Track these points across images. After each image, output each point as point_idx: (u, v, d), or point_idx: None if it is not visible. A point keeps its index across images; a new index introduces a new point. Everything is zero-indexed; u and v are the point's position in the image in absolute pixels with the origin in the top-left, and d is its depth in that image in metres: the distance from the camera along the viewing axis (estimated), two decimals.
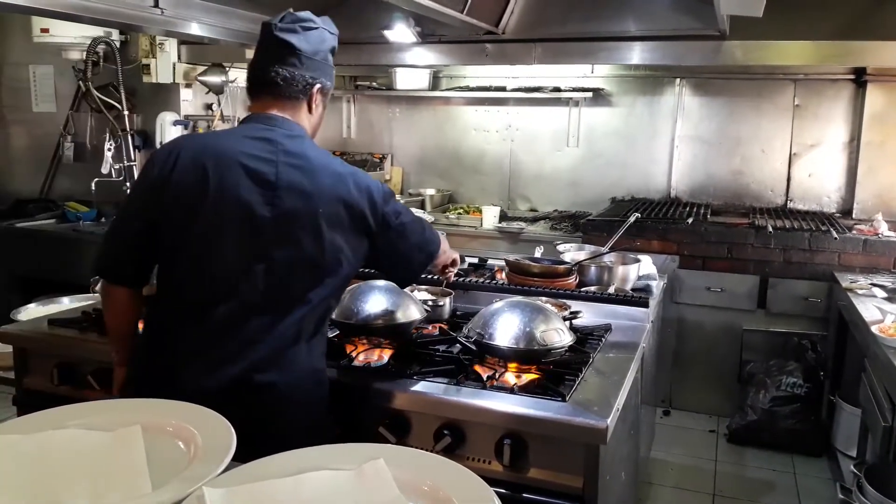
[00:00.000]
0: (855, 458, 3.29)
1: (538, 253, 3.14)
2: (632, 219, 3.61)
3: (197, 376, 1.72)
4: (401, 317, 2.22)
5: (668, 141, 5.10)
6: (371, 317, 2.20)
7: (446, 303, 2.53)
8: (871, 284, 3.60)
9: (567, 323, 2.28)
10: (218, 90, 4.88)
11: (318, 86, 1.87)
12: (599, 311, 2.60)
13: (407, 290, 2.33)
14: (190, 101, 4.90)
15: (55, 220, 5.05)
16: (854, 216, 4.59)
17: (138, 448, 1.27)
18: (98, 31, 4.51)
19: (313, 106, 1.89)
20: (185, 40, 4.62)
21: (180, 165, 1.73)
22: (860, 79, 4.57)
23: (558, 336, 2.07)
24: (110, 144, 4.77)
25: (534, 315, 2.09)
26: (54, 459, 1.24)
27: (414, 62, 4.38)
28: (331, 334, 2.21)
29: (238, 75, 4.87)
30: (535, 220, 5.15)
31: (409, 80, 5.49)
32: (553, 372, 2.04)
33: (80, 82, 4.80)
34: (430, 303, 2.46)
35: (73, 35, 4.52)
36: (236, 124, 5.05)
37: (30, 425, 1.34)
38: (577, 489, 1.80)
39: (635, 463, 2.79)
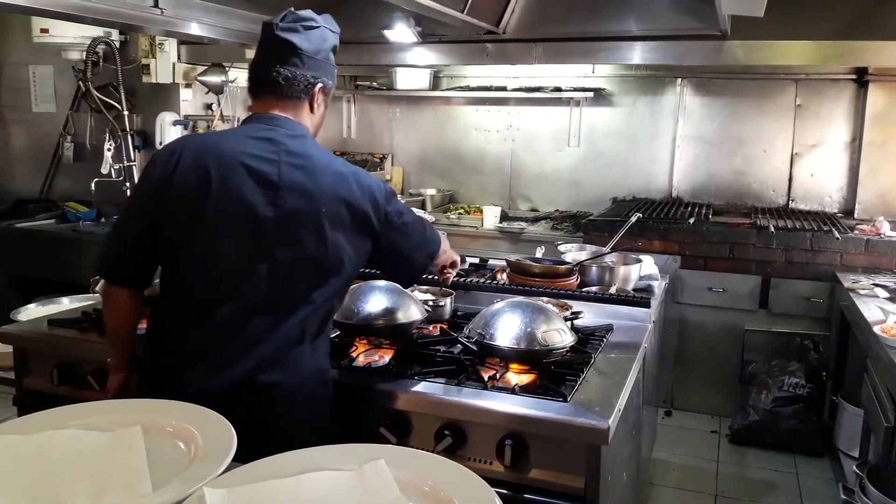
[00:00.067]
0: (857, 458, 3.28)
1: (539, 253, 3.13)
2: (633, 219, 3.60)
3: (200, 377, 1.72)
4: (402, 317, 2.21)
5: (669, 141, 5.09)
6: (372, 317, 2.19)
7: (447, 303, 2.52)
8: (874, 285, 3.60)
9: (568, 323, 2.27)
10: (218, 90, 4.88)
11: (319, 85, 1.86)
12: (601, 312, 2.59)
13: (408, 290, 2.32)
14: (190, 101, 4.90)
15: (55, 220, 5.05)
16: (856, 216, 4.59)
17: (139, 448, 1.26)
18: (98, 32, 4.51)
19: (315, 105, 1.88)
20: (185, 40, 4.62)
21: (182, 166, 1.72)
22: (862, 79, 4.56)
23: (559, 336, 2.07)
24: (110, 144, 4.77)
25: (535, 315, 2.09)
26: (54, 460, 1.23)
27: (414, 62, 4.38)
28: (332, 335, 2.20)
29: (238, 75, 4.87)
30: (536, 220, 5.14)
31: (409, 79, 5.49)
32: (554, 372, 2.03)
33: (80, 82, 4.80)
34: (430, 303, 2.46)
35: (72, 35, 4.52)
36: (236, 124, 5.08)
37: (30, 425, 1.34)
38: (578, 490, 1.80)
39: (637, 463, 2.79)
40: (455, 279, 2.49)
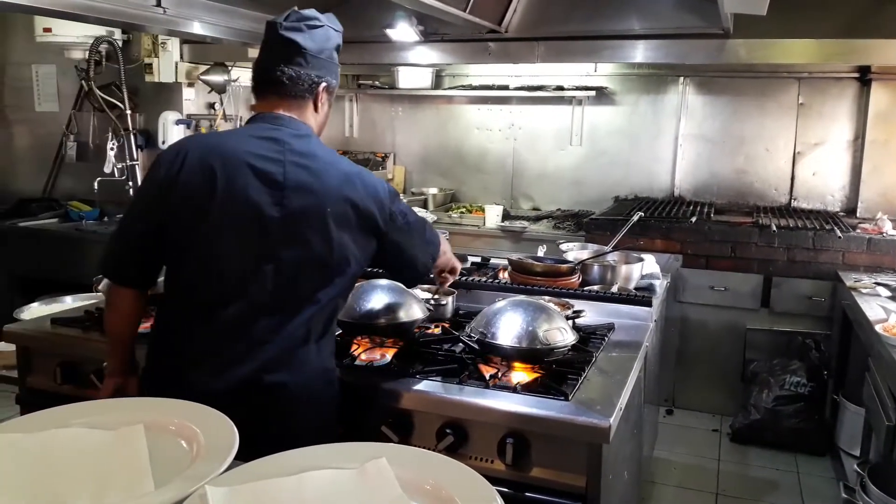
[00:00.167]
0: (858, 457, 3.28)
1: (541, 252, 3.13)
2: (635, 218, 3.61)
3: (206, 377, 1.72)
4: (403, 316, 2.22)
5: (671, 140, 5.09)
6: (374, 316, 2.20)
7: (449, 302, 2.53)
8: (876, 283, 3.59)
9: (570, 322, 2.27)
10: (220, 89, 4.88)
11: (323, 84, 1.86)
12: (602, 311, 2.59)
13: (409, 289, 2.32)
14: (192, 100, 4.90)
15: (58, 219, 5.05)
16: (858, 215, 4.58)
17: (141, 447, 1.27)
18: (100, 31, 4.51)
19: (319, 104, 1.88)
20: (188, 39, 4.62)
21: (187, 166, 1.72)
22: (864, 77, 4.56)
23: (561, 335, 2.07)
24: (113, 144, 4.77)
25: (536, 314, 2.09)
26: (57, 458, 1.24)
27: (416, 61, 4.38)
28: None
29: (240, 74, 4.87)
30: (537, 219, 5.14)
31: (411, 78, 5.49)
32: (556, 371, 2.03)
33: (83, 82, 4.81)
34: (432, 302, 2.46)
35: (75, 34, 4.52)
36: (239, 123, 5.12)
37: (33, 424, 1.34)
38: (579, 488, 1.80)
39: (638, 462, 2.79)
40: (449, 287, 2.47)
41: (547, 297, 2.53)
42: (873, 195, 4.58)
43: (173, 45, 4.64)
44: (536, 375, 2.02)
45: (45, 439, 1.28)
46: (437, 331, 2.42)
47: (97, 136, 4.98)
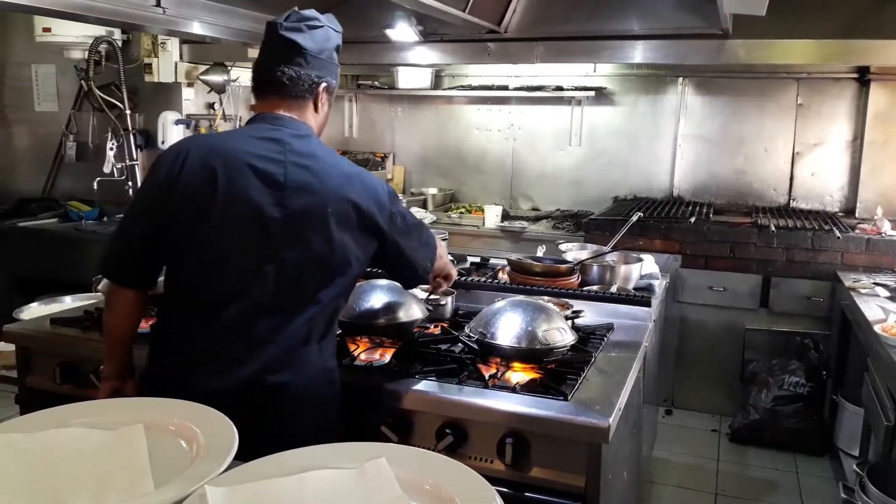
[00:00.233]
0: (857, 457, 3.29)
1: (540, 252, 3.13)
2: (634, 218, 3.61)
3: (207, 377, 1.72)
4: (403, 316, 2.22)
5: (670, 140, 5.09)
6: (373, 316, 2.20)
7: (448, 302, 2.53)
8: (874, 284, 3.60)
9: (569, 322, 2.27)
10: (220, 89, 4.88)
11: (323, 85, 1.86)
12: (601, 311, 2.59)
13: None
14: (192, 100, 4.90)
15: (57, 219, 5.05)
16: (857, 215, 4.58)
17: (140, 447, 1.27)
18: (100, 31, 4.51)
19: (319, 105, 1.88)
20: (187, 39, 4.63)
21: (188, 167, 1.72)
22: (863, 78, 4.56)
23: (560, 335, 2.07)
24: (112, 144, 4.77)
25: (536, 314, 2.09)
26: (57, 458, 1.24)
27: (416, 61, 4.38)
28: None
29: (240, 74, 4.87)
30: (537, 219, 5.14)
31: (411, 79, 5.49)
32: (555, 371, 2.03)
33: (83, 81, 4.81)
34: (432, 302, 2.46)
35: (75, 34, 4.52)
36: (239, 123, 5.12)
37: (32, 424, 1.34)
38: (579, 488, 1.80)
39: (637, 462, 2.79)
40: (445, 291, 2.46)
41: (546, 298, 2.54)
42: (872, 195, 4.59)
43: (173, 45, 4.65)
44: (536, 375, 2.02)
45: (44, 439, 1.28)
46: (437, 331, 2.42)
47: (97, 136, 4.98)
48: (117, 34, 4.66)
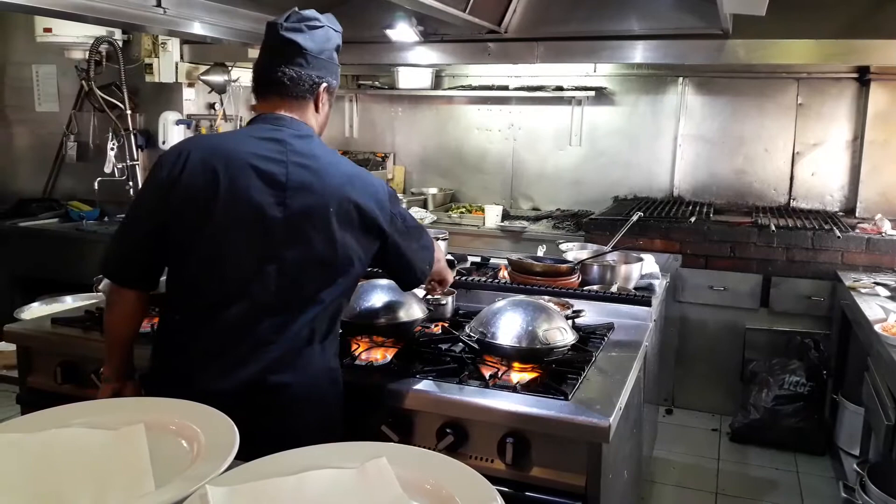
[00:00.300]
0: (858, 456, 3.29)
1: (541, 252, 3.14)
2: (634, 218, 3.61)
3: (210, 378, 1.72)
4: (403, 316, 2.22)
5: (670, 140, 5.09)
6: (374, 315, 2.20)
7: (449, 302, 2.53)
8: (875, 283, 3.60)
9: (569, 322, 2.27)
10: (220, 89, 4.88)
11: (324, 85, 1.87)
12: (602, 310, 2.60)
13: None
14: (192, 100, 4.90)
15: (58, 219, 5.06)
16: (857, 215, 4.58)
17: (141, 446, 1.27)
18: (101, 31, 4.52)
19: (320, 105, 1.88)
20: (188, 39, 4.63)
21: (190, 167, 1.72)
22: (863, 77, 4.56)
23: (561, 335, 2.07)
24: (113, 144, 4.78)
25: (536, 314, 2.09)
26: (57, 458, 1.24)
27: (416, 61, 4.39)
28: None
29: (241, 74, 4.87)
30: (537, 219, 5.14)
31: (411, 79, 5.49)
32: (555, 371, 2.04)
33: (83, 82, 4.81)
34: (432, 302, 2.46)
35: (75, 35, 4.52)
36: (240, 124, 5.12)
37: (33, 424, 1.34)
38: (579, 488, 1.81)
39: (638, 461, 2.79)
40: (439, 295, 2.46)
41: (546, 297, 2.54)
42: (872, 195, 4.59)
43: (173, 45, 4.65)
44: (536, 375, 2.02)
45: (45, 439, 1.28)
46: (437, 330, 2.42)
47: (97, 136, 4.98)
48: (118, 34, 4.66)
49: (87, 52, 4.61)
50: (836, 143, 4.74)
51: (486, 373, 2.01)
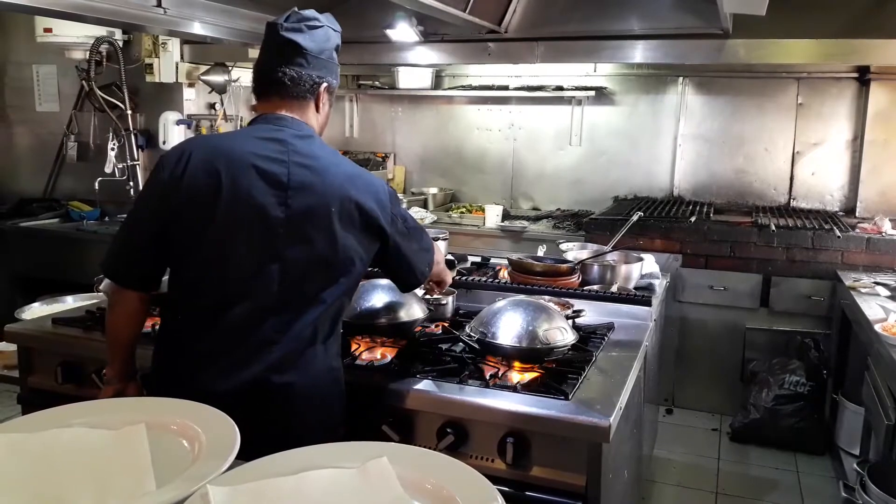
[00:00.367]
0: (858, 456, 3.29)
1: (541, 252, 3.14)
2: (634, 217, 3.61)
3: (214, 378, 1.72)
4: (404, 315, 2.22)
5: (670, 139, 5.09)
6: (374, 315, 2.20)
7: (449, 301, 2.53)
8: (875, 283, 3.60)
9: (570, 322, 2.28)
10: (221, 89, 4.88)
11: (324, 84, 1.87)
12: (602, 310, 2.60)
13: None
14: (193, 100, 4.91)
15: (59, 219, 5.07)
16: (857, 215, 4.58)
17: (142, 446, 1.27)
18: (101, 31, 4.52)
19: (320, 105, 1.89)
20: (188, 40, 4.63)
21: (191, 168, 1.72)
22: (864, 77, 4.56)
23: (561, 335, 2.07)
24: (114, 144, 4.79)
25: (536, 314, 2.10)
26: (58, 458, 1.24)
27: (416, 61, 4.39)
28: None
29: (241, 74, 4.87)
30: (537, 218, 5.15)
31: (411, 79, 5.49)
32: (556, 370, 2.04)
33: (84, 82, 4.82)
34: (433, 302, 2.46)
35: (76, 35, 4.53)
36: (240, 124, 5.12)
37: (34, 424, 1.35)
38: (579, 487, 1.81)
39: (638, 461, 2.80)
40: (438, 296, 2.47)
41: (547, 297, 2.54)
42: (872, 195, 4.59)
43: (174, 45, 4.65)
44: (536, 375, 2.02)
45: (46, 439, 1.28)
46: (438, 330, 2.43)
47: (98, 136, 4.99)
48: (118, 34, 4.67)
49: (88, 52, 4.62)
50: (836, 143, 4.74)
51: (487, 372, 2.02)
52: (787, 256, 4.12)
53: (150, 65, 4.68)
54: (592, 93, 5.14)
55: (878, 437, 2.81)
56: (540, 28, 3.92)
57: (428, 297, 2.42)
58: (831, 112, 4.72)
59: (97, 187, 4.79)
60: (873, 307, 3.21)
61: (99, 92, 4.77)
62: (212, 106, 5.02)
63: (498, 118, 5.53)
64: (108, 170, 4.76)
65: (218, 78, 4.80)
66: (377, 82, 5.73)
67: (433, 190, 5.60)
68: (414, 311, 2.25)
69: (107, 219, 5.02)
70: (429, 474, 1.23)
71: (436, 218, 5.09)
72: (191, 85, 4.85)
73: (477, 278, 2.90)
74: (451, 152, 5.71)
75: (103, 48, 4.66)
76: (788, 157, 4.85)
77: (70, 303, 3.01)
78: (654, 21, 3.74)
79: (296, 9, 1.83)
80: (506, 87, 5.39)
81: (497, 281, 2.90)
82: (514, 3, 3.87)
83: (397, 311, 2.22)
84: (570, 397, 1.87)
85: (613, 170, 5.26)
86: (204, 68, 4.79)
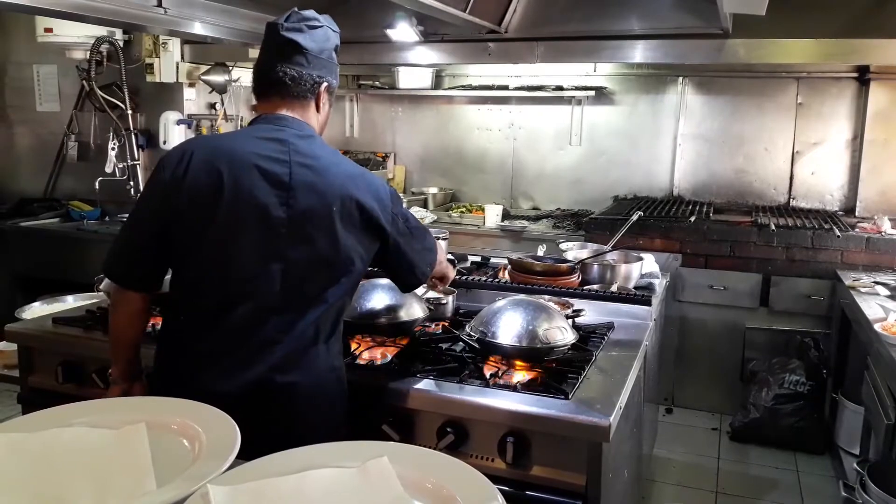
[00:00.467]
0: (858, 455, 3.29)
1: (541, 251, 3.14)
2: (634, 217, 3.61)
3: (217, 378, 1.72)
4: (404, 315, 2.23)
5: (670, 139, 5.09)
6: (375, 315, 2.21)
7: (449, 301, 2.53)
8: (874, 282, 3.60)
9: (570, 321, 2.28)
10: (221, 89, 4.89)
11: (325, 84, 1.87)
12: (602, 310, 2.60)
13: None
14: (193, 100, 4.91)
15: (59, 219, 5.07)
16: (857, 214, 4.58)
17: (143, 446, 1.27)
18: (101, 31, 4.52)
19: (321, 105, 1.89)
20: (189, 39, 4.63)
21: (193, 168, 1.72)
22: (863, 77, 4.56)
23: (561, 334, 2.08)
24: (114, 144, 4.79)
25: (536, 313, 2.10)
26: (59, 457, 1.24)
27: (416, 61, 4.39)
28: None
29: (241, 74, 4.88)
30: (537, 218, 5.15)
31: (411, 79, 5.49)
32: (556, 370, 2.04)
33: (84, 82, 4.83)
34: (433, 301, 2.46)
35: (76, 35, 4.54)
36: (240, 123, 5.12)
37: (34, 423, 1.35)
38: (579, 487, 1.81)
39: (638, 460, 2.80)
40: (443, 289, 2.48)
41: (547, 297, 2.54)
42: (872, 194, 4.59)
43: (174, 45, 4.66)
44: (536, 374, 2.02)
45: (46, 439, 1.28)
46: (438, 330, 2.43)
47: (98, 135, 4.99)
48: (119, 34, 4.67)
49: (88, 52, 4.62)
50: (835, 143, 4.74)
51: (487, 372, 2.02)
52: (787, 256, 4.12)
53: (151, 65, 4.68)
54: (592, 92, 5.14)
55: (877, 436, 2.81)
56: (540, 28, 3.92)
57: (431, 291, 2.42)
58: (831, 112, 4.73)
59: (97, 187, 4.79)
60: (873, 307, 3.21)
61: (99, 92, 4.77)
62: (212, 106, 5.03)
63: (498, 118, 5.53)
64: (108, 170, 4.76)
65: (218, 78, 4.80)
66: (377, 82, 5.74)
67: (433, 190, 5.60)
68: (414, 310, 2.25)
69: (107, 219, 5.02)
70: (429, 474, 1.23)
71: (436, 218, 5.09)
72: (191, 85, 4.86)
73: (477, 278, 2.90)
74: (451, 152, 5.71)
75: (104, 48, 4.66)
76: (788, 157, 4.85)
77: (70, 302, 3.01)
78: (653, 21, 3.74)
79: (296, 9, 1.83)
80: (506, 87, 5.39)
81: (497, 280, 2.90)
82: (514, 3, 3.87)
83: (397, 310, 2.22)
84: (570, 397, 1.87)
85: (613, 169, 5.26)
86: (204, 68, 4.79)
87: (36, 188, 5.36)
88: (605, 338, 2.37)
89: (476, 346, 2.11)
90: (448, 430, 1.89)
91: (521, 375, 2.02)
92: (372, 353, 2.18)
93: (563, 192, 5.42)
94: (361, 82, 5.80)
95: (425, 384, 1.98)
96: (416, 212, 5.05)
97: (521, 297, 2.32)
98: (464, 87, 5.55)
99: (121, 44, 4.68)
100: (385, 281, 2.26)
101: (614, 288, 2.79)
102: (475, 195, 5.66)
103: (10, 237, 4.85)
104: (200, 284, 1.78)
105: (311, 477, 1.20)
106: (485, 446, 1.88)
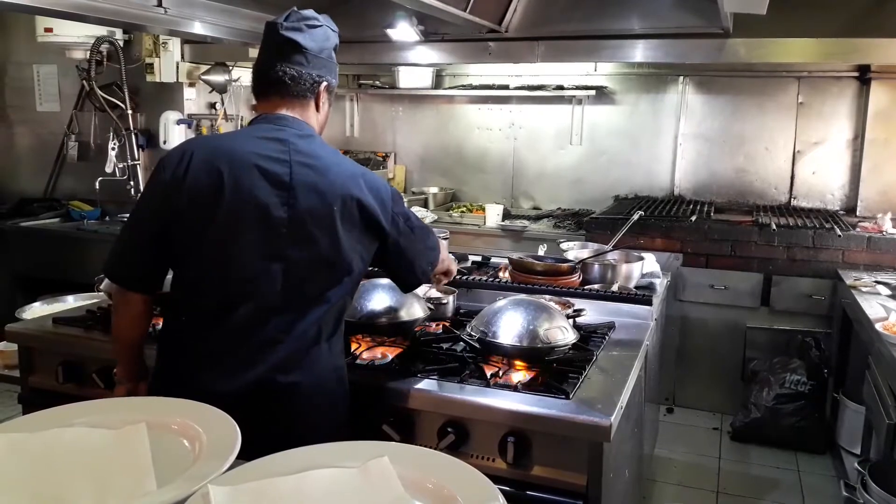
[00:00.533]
0: (859, 455, 3.29)
1: (541, 251, 3.14)
2: (635, 217, 3.61)
3: (218, 379, 1.72)
4: (405, 315, 2.22)
5: (671, 139, 5.09)
6: (375, 315, 2.20)
7: (450, 301, 2.53)
8: (876, 282, 3.60)
9: (570, 321, 2.28)
10: (221, 89, 4.89)
11: (324, 84, 1.87)
12: (603, 309, 2.60)
13: None
14: (193, 100, 4.91)
15: (59, 219, 5.07)
16: (858, 213, 4.58)
17: (143, 446, 1.27)
18: (102, 31, 4.52)
19: (320, 104, 1.88)
20: (189, 39, 4.63)
21: (193, 168, 1.72)
22: (864, 76, 4.56)
23: (562, 334, 2.07)
24: (114, 143, 4.79)
25: (537, 313, 2.10)
26: (59, 457, 1.24)
27: (417, 61, 4.39)
28: None
29: (241, 74, 4.88)
30: (538, 218, 5.15)
31: (412, 78, 5.49)
32: (556, 370, 2.04)
33: (84, 81, 4.83)
34: (433, 301, 2.46)
35: (76, 34, 4.54)
36: (240, 123, 5.12)
37: (35, 423, 1.34)
38: (580, 487, 1.81)
39: (639, 460, 2.80)
40: (446, 285, 2.48)
41: (548, 296, 2.54)
42: (873, 194, 4.59)
43: (174, 45, 4.65)
44: (537, 374, 2.02)
45: (47, 439, 1.28)
46: (439, 330, 2.43)
47: (98, 135, 4.99)
48: (119, 34, 4.67)
49: (88, 52, 4.62)
50: (836, 142, 4.74)
51: (488, 372, 2.02)
52: (788, 255, 4.11)
53: (151, 64, 4.68)
54: (593, 92, 5.14)
55: (878, 436, 2.81)
56: (540, 27, 3.92)
57: (431, 292, 2.41)
58: (832, 111, 4.72)
59: (98, 187, 4.79)
60: (874, 306, 3.21)
61: (99, 92, 4.77)
62: (212, 105, 5.03)
63: (498, 117, 5.52)
64: (108, 169, 4.76)
65: (218, 77, 4.80)
66: (378, 82, 5.74)
67: (434, 189, 5.60)
68: (415, 310, 2.25)
69: (107, 218, 5.02)
70: (430, 474, 1.23)
71: (436, 217, 5.09)
72: (191, 84, 4.86)
73: (477, 278, 2.90)
74: (451, 152, 5.71)
75: (104, 48, 4.66)
76: (789, 156, 4.85)
77: (71, 302, 3.01)
78: (654, 20, 3.74)
79: (295, 8, 1.83)
80: (506, 87, 5.39)
81: (498, 280, 2.90)
82: (514, 2, 3.86)
83: (398, 310, 2.22)
84: (570, 396, 1.87)
85: (614, 169, 5.26)
86: (204, 68, 4.79)
87: (36, 188, 5.36)
88: (606, 337, 2.37)
89: (477, 345, 2.10)
90: (449, 430, 1.89)
91: (521, 375, 2.02)
92: (372, 353, 2.18)
93: (563, 192, 5.41)
94: (362, 82, 5.80)
95: (426, 384, 1.97)
96: (417, 212, 5.05)
97: (522, 296, 2.32)
98: (464, 87, 5.55)
99: (121, 44, 4.68)
100: (385, 281, 2.26)
101: (615, 288, 2.79)
102: (476, 195, 5.66)
103: (11, 237, 4.85)
104: (201, 284, 1.78)
105: (311, 477, 1.20)
106: (485, 446, 1.88)
